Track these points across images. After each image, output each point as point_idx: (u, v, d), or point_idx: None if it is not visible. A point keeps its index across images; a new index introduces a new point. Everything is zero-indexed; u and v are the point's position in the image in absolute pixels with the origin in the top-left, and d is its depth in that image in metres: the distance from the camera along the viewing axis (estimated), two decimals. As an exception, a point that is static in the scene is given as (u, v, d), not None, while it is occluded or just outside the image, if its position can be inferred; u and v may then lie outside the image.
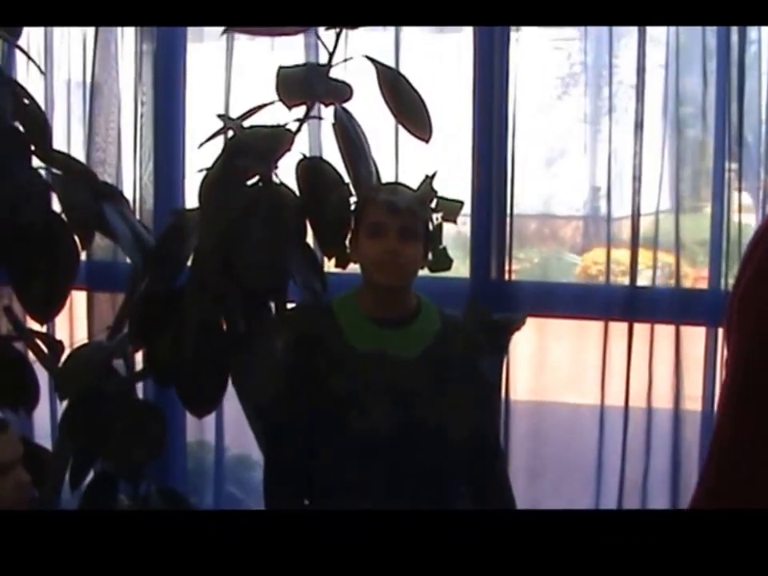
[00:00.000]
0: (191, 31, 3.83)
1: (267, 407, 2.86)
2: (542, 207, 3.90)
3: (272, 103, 3.03)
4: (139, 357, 3.29)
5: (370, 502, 2.74)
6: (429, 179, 2.82)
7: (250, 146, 3.02)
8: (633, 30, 3.49)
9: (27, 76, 3.85)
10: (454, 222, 2.87)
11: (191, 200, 3.58)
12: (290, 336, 2.80)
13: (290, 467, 2.90)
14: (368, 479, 2.76)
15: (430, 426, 2.76)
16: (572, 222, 3.92)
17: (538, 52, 3.71)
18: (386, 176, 3.19)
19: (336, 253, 2.93)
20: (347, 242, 2.86)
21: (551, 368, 3.74)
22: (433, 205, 2.84)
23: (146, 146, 3.80)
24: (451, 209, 2.85)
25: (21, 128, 3.17)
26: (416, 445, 2.76)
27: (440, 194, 2.85)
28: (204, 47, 3.92)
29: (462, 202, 2.89)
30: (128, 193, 3.57)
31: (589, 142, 3.66)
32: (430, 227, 2.84)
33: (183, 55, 3.86)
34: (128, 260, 3.63)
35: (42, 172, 3.21)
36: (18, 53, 3.86)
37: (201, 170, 3.02)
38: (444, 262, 2.89)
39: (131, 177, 3.83)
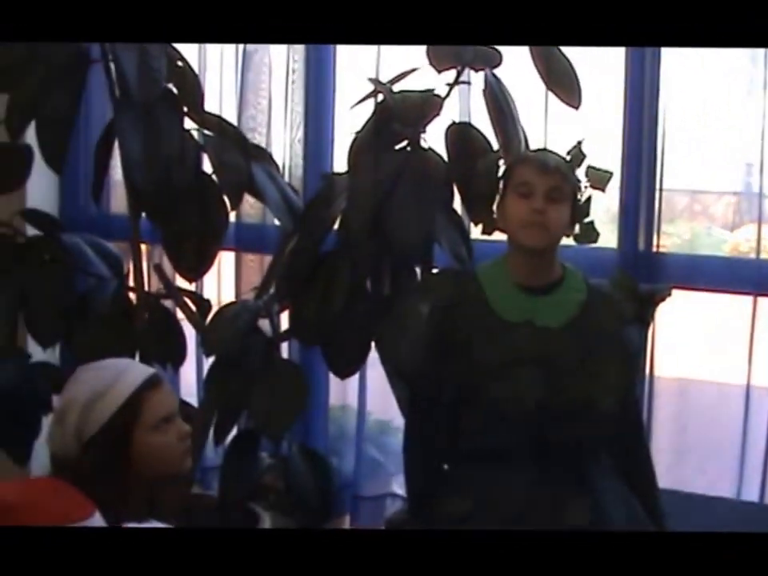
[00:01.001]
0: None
1: (410, 371, 2.87)
2: (694, 183, 3.83)
3: (422, 68, 3.04)
4: (285, 317, 3.34)
5: (510, 470, 2.74)
6: (578, 144, 2.79)
7: (399, 111, 3.04)
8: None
9: (181, 39, 3.91)
10: (603, 190, 2.84)
11: (340, 164, 3.60)
12: (435, 301, 2.80)
13: (431, 432, 2.90)
14: (509, 448, 2.75)
15: (574, 396, 2.74)
16: (723, 198, 3.85)
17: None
18: (535, 143, 3.18)
19: (483, 219, 2.92)
20: (494, 208, 2.85)
21: (696, 344, 3.68)
22: (582, 174, 2.81)
23: (297, 111, 3.83)
24: (600, 177, 2.82)
25: (174, 90, 3.23)
26: (559, 415, 2.74)
27: (589, 163, 2.83)
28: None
29: (611, 172, 2.86)
30: (277, 157, 3.60)
31: (742, 116, 3.58)
32: (579, 197, 2.81)
33: (334, 20, 3.87)
34: (276, 222, 3.68)
35: (194, 133, 3.27)
36: (172, 16, 3.92)
37: (354, 133, 3.05)
38: (590, 234, 2.87)
39: (281, 141, 3.86)
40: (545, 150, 2.86)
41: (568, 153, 2.79)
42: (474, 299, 2.78)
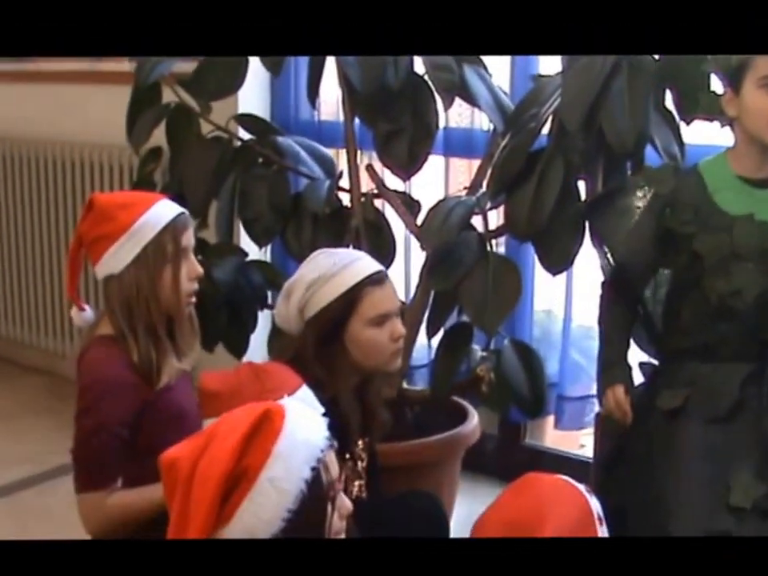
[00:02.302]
0: None
1: (630, 264, 2.86)
2: None
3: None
4: (493, 215, 3.39)
5: (725, 365, 2.73)
6: None
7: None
8: None
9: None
10: None
11: (546, 67, 3.62)
12: (657, 193, 2.79)
13: (646, 326, 2.92)
14: (726, 343, 2.74)
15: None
16: None
17: None
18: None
19: (695, 118, 2.92)
20: (723, 101, 2.77)
21: None
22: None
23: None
24: None
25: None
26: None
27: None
28: None
29: None
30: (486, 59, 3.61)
31: None
32: None
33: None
34: (484, 127, 3.73)
35: (407, 35, 3.32)
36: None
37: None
38: None
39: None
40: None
41: None
42: (695, 191, 2.74)
